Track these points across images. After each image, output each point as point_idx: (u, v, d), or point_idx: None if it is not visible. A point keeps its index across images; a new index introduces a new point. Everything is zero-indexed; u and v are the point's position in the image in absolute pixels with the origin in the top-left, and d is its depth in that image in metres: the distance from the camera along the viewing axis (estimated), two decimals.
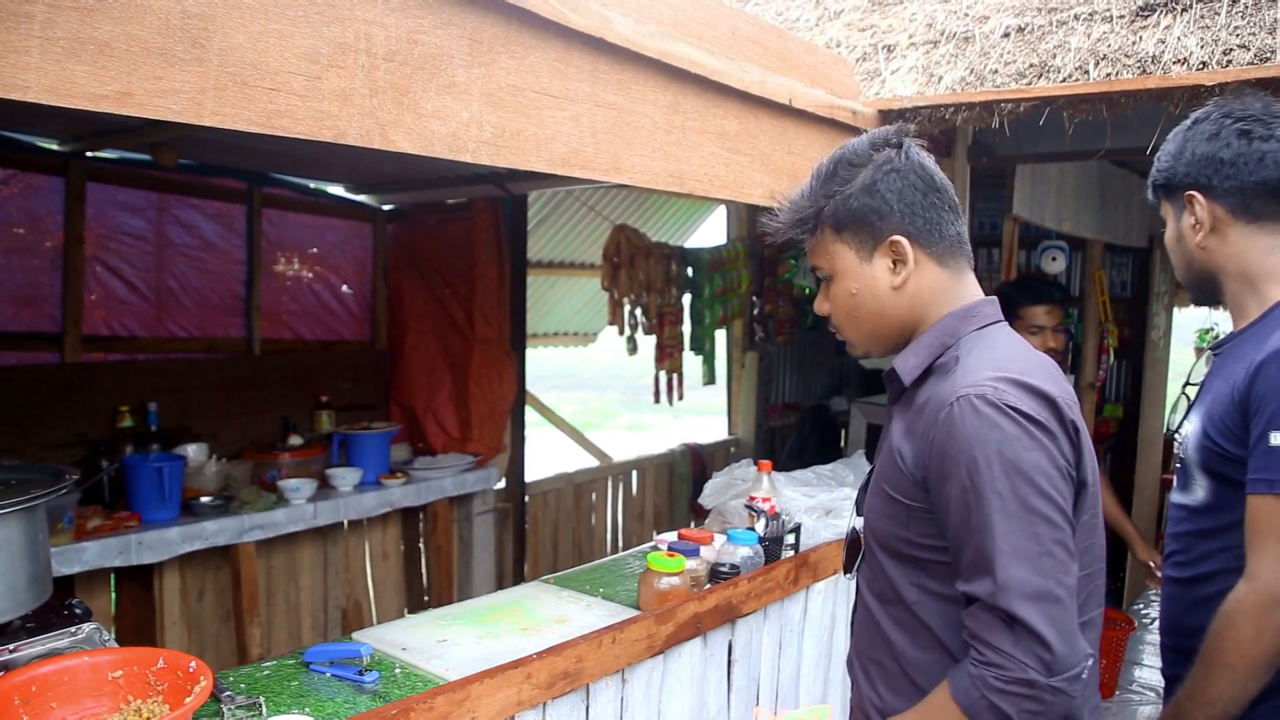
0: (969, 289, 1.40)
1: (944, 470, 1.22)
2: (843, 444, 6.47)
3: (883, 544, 1.37)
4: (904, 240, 1.35)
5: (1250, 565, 1.43)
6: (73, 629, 1.78)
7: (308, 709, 1.65)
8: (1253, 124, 1.54)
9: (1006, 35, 2.97)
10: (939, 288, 1.37)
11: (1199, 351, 8.51)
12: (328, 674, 1.80)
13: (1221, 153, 1.55)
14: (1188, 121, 1.63)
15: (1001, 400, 1.19)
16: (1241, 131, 1.55)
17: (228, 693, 1.66)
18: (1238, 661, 1.41)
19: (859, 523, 1.50)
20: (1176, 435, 1.71)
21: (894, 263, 1.36)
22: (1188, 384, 1.78)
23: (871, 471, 1.48)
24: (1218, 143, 1.56)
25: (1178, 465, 1.67)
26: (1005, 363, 1.26)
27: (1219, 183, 1.56)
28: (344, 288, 4.72)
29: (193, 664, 1.53)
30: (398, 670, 1.84)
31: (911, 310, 1.37)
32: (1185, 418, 1.69)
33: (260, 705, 1.63)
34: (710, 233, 7.18)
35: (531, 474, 5.15)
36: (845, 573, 1.56)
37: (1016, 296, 2.87)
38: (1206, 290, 1.66)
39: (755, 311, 6.15)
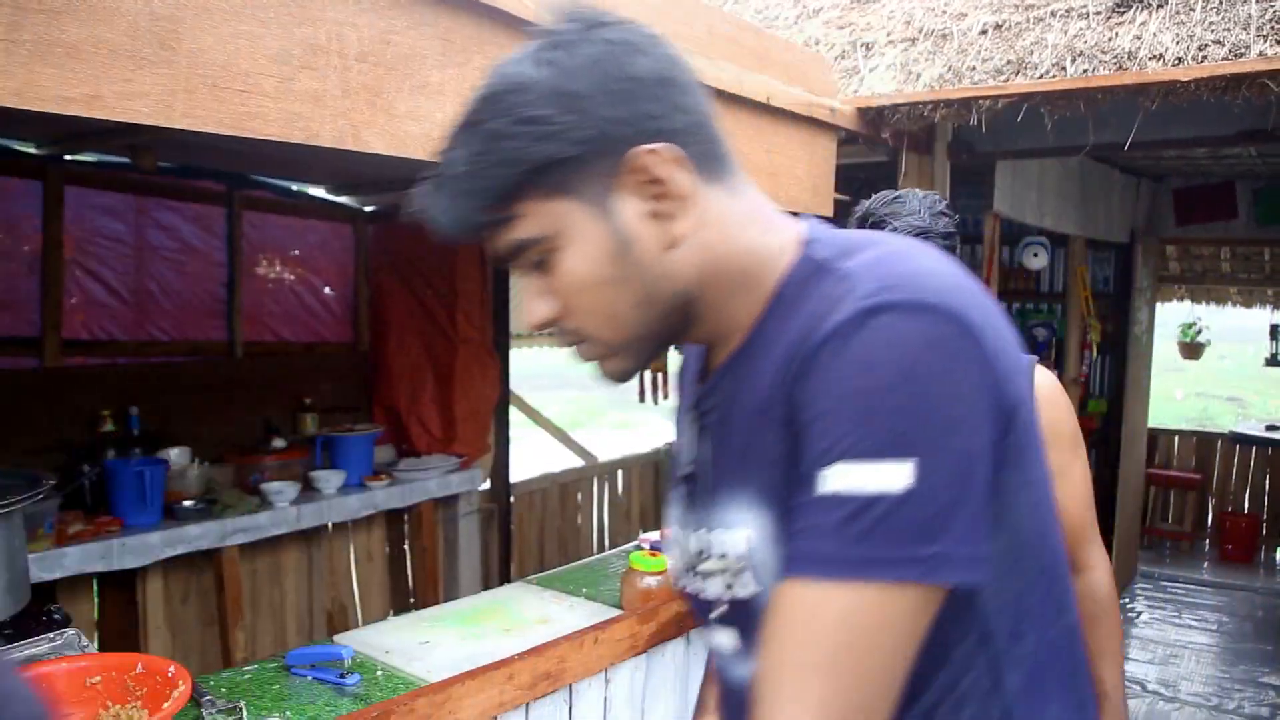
0: None
1: None
2: None
3: None
4: None
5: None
6: (51, 635, 1.77)
7: (288, 712, 1.65)
8: None
9: (984, 32, 2.99)
10: None
11: (1184, 347, 8.38)
12: (309, 677, 1.79)
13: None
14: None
15: None
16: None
17: (208, 697, 1.65)
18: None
19: None
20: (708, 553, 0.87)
21: None
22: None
23: None
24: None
25: (729, 610, 0.87)
26: None
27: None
28: (326, 289, 4.70)
29: (171, 669, 1.52)
30: (379, 672, 1.84)
31: None
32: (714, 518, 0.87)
33: (240, 709, 1.62)
34: None
35: (517, 474, 5.14)
36: None
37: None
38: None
39: None
